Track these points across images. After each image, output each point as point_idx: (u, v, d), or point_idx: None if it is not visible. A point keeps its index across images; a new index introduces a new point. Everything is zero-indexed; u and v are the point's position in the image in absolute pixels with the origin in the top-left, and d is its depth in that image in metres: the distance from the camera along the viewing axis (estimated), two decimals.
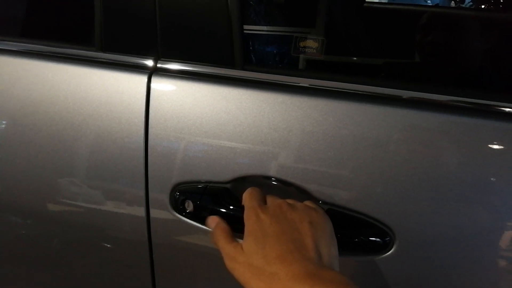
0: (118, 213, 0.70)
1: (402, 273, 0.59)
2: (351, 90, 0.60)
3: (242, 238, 0.53)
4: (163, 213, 0.66)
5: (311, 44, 0.60)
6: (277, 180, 0.61)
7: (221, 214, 0.61)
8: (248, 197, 0.57)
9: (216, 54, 0.64)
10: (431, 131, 0.56)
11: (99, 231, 0.74)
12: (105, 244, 0.75)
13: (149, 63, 0.67)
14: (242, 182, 0.62)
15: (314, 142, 0.59)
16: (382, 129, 0.57)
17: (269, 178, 0.61)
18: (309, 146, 0.59)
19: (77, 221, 0.74)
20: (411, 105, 0.57)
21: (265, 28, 0.73)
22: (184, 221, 0.65)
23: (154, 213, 0.67)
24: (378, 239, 0.58)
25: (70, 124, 0.69)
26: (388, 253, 0.57)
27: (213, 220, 0.58)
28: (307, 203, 0.56)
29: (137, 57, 0.68)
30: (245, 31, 0.63)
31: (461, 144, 0.55)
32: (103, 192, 0.70)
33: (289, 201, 0.56)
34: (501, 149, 0.54)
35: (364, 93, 0.59)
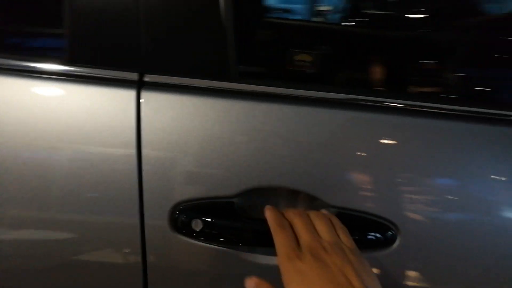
0: (112, 238, 0.63)
1: (405, 268, 0.62)
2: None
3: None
4: (161, 234, 0.62)
5: (306, 58, 0.63)
6: (280, 189, 0.61)
7: (230, 229, 0.60)
8: (278, 240, 0.53)
9: (210, 66, 0.62)
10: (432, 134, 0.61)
11: (90, 255, 0.66)
12: (98, 266, 0.66)
13: (134, 77, 0.62)
14: (247, 195, 0.61)
15: (317, 151, 0.61)
16: (378, 131, 0.61)
17: (274, 189, 0.61)
18: (312, 154, 0.60)
19: (65, 241, 0.64)
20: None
21: (260, 39, 0.72)
22: (190, 242, 0.62)
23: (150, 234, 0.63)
24: (380, 235, 0.61)
25: (53, 148, 0.61)
26: (391, 248, 0.61)
27: (251, 282, 0.54)
28: (342, 238, 0.55)
29: (122, 71, 0.62)
30: (239, 43, 0.62)
31: (459, 145, 0.61)
32: (92, 218, 0.62)
33: (320, 227, 0.54)
34: (500, 149, 0.61)
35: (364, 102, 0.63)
